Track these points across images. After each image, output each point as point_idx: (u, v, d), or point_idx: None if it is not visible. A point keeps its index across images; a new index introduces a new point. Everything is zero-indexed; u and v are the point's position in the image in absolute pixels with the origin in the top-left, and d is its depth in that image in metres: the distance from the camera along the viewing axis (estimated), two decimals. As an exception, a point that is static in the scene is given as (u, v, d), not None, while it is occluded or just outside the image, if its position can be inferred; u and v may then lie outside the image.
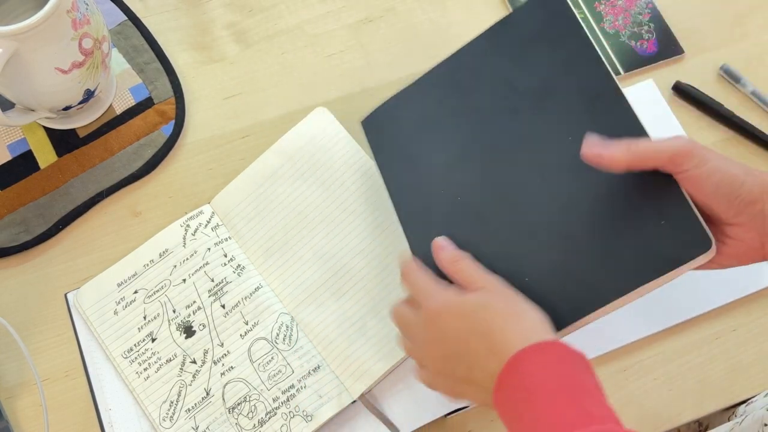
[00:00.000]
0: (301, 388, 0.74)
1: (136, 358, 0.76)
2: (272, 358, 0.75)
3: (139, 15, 0.91)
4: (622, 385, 0.77)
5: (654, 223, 0.60)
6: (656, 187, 0.60)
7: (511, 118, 0.70)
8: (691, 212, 0.59)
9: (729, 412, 0.79)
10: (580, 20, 0.69)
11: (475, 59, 0.74)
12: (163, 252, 0.80)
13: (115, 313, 0.77)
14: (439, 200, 0.71)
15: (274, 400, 0.74)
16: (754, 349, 0.79)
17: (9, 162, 0.83)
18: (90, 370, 0.76)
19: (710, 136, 0.88)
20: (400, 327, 0.66)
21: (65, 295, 0.79)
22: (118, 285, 0.78)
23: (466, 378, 0.60)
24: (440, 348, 0.62)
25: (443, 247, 0.66)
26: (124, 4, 0.91)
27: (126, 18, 0.90)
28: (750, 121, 0.88)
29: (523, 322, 0.58)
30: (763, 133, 0.87)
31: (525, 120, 0.69)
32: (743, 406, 0.77)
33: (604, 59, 0.68)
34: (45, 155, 0.84)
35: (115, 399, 0.75)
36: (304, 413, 0.73)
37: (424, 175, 0.73)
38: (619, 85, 0.66)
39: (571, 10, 0.70)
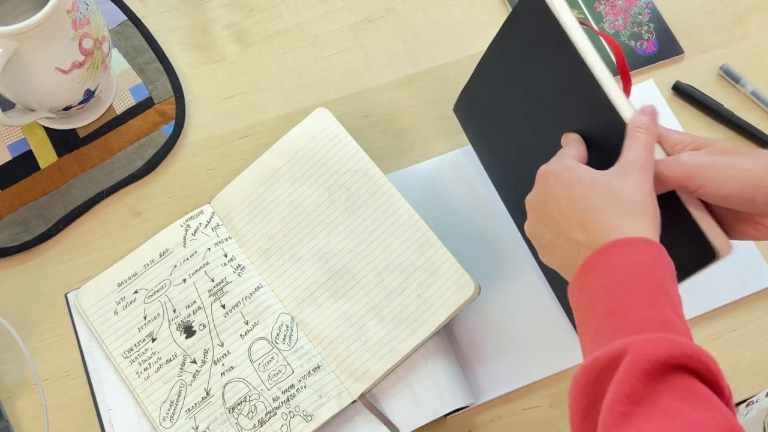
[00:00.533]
0: (301, 388, 0.74)
1: (136, 358, 0.76)
2: (272, 358, 0.75)
3: (139, 15, 0.91)
4: (622, 385, 0.77)
5: (665, 234, 0.58)
6: (664, 200, 0.59)
7: (532, 121, 0.71)
8: (693, 225, 0.58)
9: (729, 412, 0.79)
10: (568, 29, 0.63)
11: (498, 58, 0.73)
12: (164, 252, 0.80)
13: (116, 313, 0.77)
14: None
15: (274, 400, 0.74)
16: (754, 349, 0.79)
17: (9, 162, 0.84)
18: (90, 370, 0.76)
19: (710, 136, 0.88)
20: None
21: (65, 295, 0.79)
22: (119, 285, 0.78)
23: (551, 246, 0.59)
24: (538, 210, 0.61)
25: (643, 112, 0.61)
26: (124, 4, 0.91)
27: (126, 18, 0.90)
28: (750, 121, 0.88)
29: (627, 215, 0.55)
30: (762, 133, 0.87)
31: (544, 127, 0.69)
32: (743, 405, 0.77)
33: (599, 71, 0.62)
34: (45, 155, 0.84)
35: (115, 399, 0.75)
36: (304, 413, 0.73)
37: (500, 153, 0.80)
38: (614, 100, 0.62)
39: (554, 21, 0.63)
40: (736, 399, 0.77)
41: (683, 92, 0.89)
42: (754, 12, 0.94)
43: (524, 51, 0.69)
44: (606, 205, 0.56)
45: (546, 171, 0.60)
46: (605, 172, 0.58)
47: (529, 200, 0.62)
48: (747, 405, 0.76)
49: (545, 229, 0.60)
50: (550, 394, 0.77)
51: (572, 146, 0.63)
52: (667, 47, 0.92)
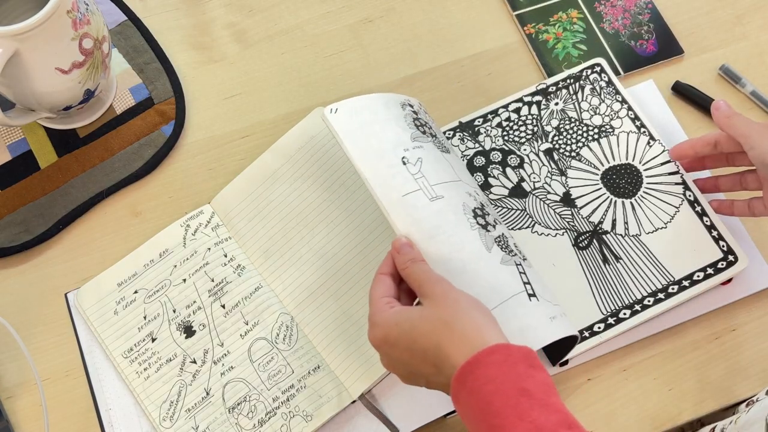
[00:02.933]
0: (301, 388, 0.74)
1: (136, 357, 0.76)
2: (272, 358, 0.75)
3: (139, 15, 0.91)
4: (622, 385, 0.77)
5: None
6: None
7: None
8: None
9: (729, 411, 0.79)
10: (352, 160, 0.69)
11: None
12: (163, 252, 0.80)
13: (116, 313, 0.77)
14: None
15: (274, 400, 0.74)
16: (754, 349, 0.79)
17: (9, 162, 0.84)
18: (90, 370, 0.76)
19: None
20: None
21: (65, 295, 0.79)
22: (119, 285, 0.78)
23: (432, 388, 0.62)
24: (397, 371, 0.63)
25: (398, 251, 0.65)
26: (124, 4, 0.91)
27: (126, 18, 0.90)
28: (750, 121, 0.88)
29: (455, 333, 0.58)
30: (763, 133, 0.87)
31: None
32: (743, 405, 0.77)
33: (377, 194, 0.68)
34: (45, 155, 0.84)
35: (115, 399, 0.75)
36: (304, 413, 0.73)
37: None
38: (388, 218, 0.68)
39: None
40: (736, 400, 0.77)
41: (683, 92, 0.89)
42: (754, 12, 0.94)
43: None
44: (439, 338, 0.58)
45: (374, 341, 0.63)
46: (417, 308, 0.61)
47: (386, 368, 0.65)
48: (747, 405, 0.76)
49: (417, 383, 0.63)
50: (550, 394, 0.77)
51: (376, 287, 0.65)
52: (667, 47, 0.92)
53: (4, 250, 0.80)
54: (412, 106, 0.76)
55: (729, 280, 0.79)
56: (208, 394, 0.74)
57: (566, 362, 0.76)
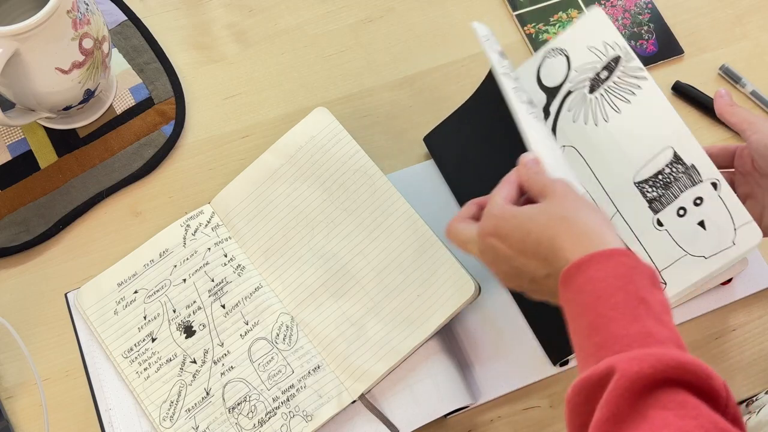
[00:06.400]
0: (301, 388, 0.74)
1: (136, 357, 0.76)
2: (272, 358, 0.75)
3: (139, 15, 0.91)
4: (622, 385, 0.77)
5: None
6: None
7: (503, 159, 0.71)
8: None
9: (729, 412, 0.79)
10: (508, 100, 0.68)
11: (473, 108, 0.81)
12: (164, 252, 0.80)
13: (116, 312, 0.77)
14: None
15: (274, 400, 0.74)
16: (754, 349, 0.79)
17: (9, 162, 0.84)
18: (90, 370, 0.76)
19: (710, 136, 0.88)
20: (459, 246, 0.65)
21: (65, 295, 0.79)
22: (119, 285, 0.78)
23: (532, 289, 0.60)
24: (499, 267, 0.61)
25: (525, 165, 0.63)
26: (124, 4, 0.91)
27: (126, 18, 0.90)
28: (750, 121, 0.88)
29: (575, 228, 0.56)
30: (763, 133, 0.87)
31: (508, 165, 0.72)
32: (743, 405, 0.77)
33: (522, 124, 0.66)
34: (45, 155, 0.84)
35: (115, 399, 0.75)
36: (304, 413, 0.73)
37: (477, 181, 0.77)
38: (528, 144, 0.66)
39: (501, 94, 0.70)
40: (736, 399, 0.77)
41: (683, 92, 0.89)
42: (754, 12, 0.94)
43: (493, 108, 0.73)
44: (556, 231, 0.56)
45: (483, 233, 0.60)
46: (537, 204, 0.59)
47: (487, 264, 0.62)
48: (747, 405, 0.76)
49: (518, 283, 0.61)
50: (550, 394, 0.77)
51: (501, 188, 0.63)
52: (667, 47, 0.92)
53: (4, 250, 0.80)
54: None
55: (729, 280, 0.79)
56: (208, 394, 0.74)
57: (566, 362, 0.76)
